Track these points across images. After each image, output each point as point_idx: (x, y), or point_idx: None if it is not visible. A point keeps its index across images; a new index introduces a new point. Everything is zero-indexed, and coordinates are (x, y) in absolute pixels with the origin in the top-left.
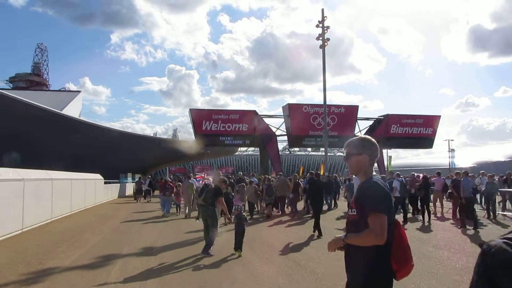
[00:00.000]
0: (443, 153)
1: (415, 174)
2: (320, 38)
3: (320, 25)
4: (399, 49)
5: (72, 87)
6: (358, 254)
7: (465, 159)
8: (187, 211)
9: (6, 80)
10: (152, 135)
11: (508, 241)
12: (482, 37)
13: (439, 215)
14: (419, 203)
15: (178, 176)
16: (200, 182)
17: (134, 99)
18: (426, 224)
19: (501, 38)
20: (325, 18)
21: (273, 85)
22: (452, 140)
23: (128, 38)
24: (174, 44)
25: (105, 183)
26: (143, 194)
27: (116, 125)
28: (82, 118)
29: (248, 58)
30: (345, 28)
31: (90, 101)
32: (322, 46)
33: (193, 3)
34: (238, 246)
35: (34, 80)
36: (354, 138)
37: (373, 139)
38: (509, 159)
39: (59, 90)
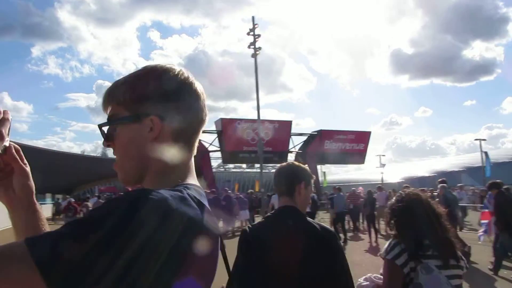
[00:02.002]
0: (371, 169)
1: (356, 190)
2: (252, 47)
3: (251, 33)
4: (328, 70)
5: None
6: None
7: (393, 175)
8: None
9: None
10: (79, 153)
11: (249, 225)
12: (402, 60)
13: (383, 232)
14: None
15: (85, 196)
16: None
17: (60, 116)
18: (374, 244)
19: (419, 62)
20: (256, 26)
21: (207, 102)
22: (383, 155)
23: (51, 52)
24: (102, 59)
25: None
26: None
27: (39, 143)
28: None
29: None
30: (276, 48)
31: None
32: (254, 55)
33: (122, 18)
34: None
35: None
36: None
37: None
38: (432, 174)
39: None
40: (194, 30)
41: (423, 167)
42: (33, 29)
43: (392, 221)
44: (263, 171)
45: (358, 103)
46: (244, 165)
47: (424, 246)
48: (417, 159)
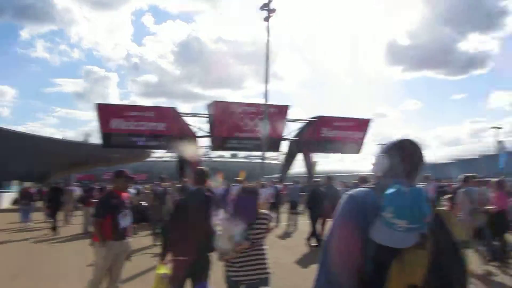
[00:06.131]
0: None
1: None
2: (265, 8)
3: None
4: (321, 59)
5: None
6: None
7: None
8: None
9: None
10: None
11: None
12: (398, 52)
13: None
14: None
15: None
16: None
17: (44, 101)
18: None
19: (415, 54)
20: None
21: (196, 90)
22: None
23: (41, 35)
24: (93, 43)
25: None
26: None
27: (19, 129)
28: None
29: (172, 62)
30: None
31: None
32: (268, 18)
33: (118, 0)
34: None
35: None
36: None
37: None
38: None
39: None
40: (189, 16)
41: None
42: (25, 10)
43: None
44: (246, 160)
45: (350, 93)
46: (228, 154)
47: None
48: None
